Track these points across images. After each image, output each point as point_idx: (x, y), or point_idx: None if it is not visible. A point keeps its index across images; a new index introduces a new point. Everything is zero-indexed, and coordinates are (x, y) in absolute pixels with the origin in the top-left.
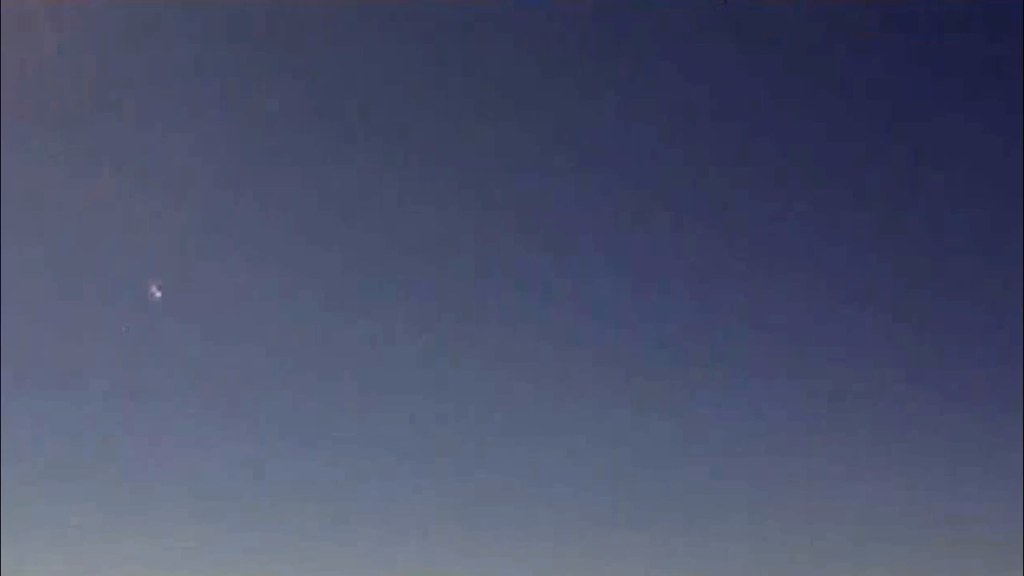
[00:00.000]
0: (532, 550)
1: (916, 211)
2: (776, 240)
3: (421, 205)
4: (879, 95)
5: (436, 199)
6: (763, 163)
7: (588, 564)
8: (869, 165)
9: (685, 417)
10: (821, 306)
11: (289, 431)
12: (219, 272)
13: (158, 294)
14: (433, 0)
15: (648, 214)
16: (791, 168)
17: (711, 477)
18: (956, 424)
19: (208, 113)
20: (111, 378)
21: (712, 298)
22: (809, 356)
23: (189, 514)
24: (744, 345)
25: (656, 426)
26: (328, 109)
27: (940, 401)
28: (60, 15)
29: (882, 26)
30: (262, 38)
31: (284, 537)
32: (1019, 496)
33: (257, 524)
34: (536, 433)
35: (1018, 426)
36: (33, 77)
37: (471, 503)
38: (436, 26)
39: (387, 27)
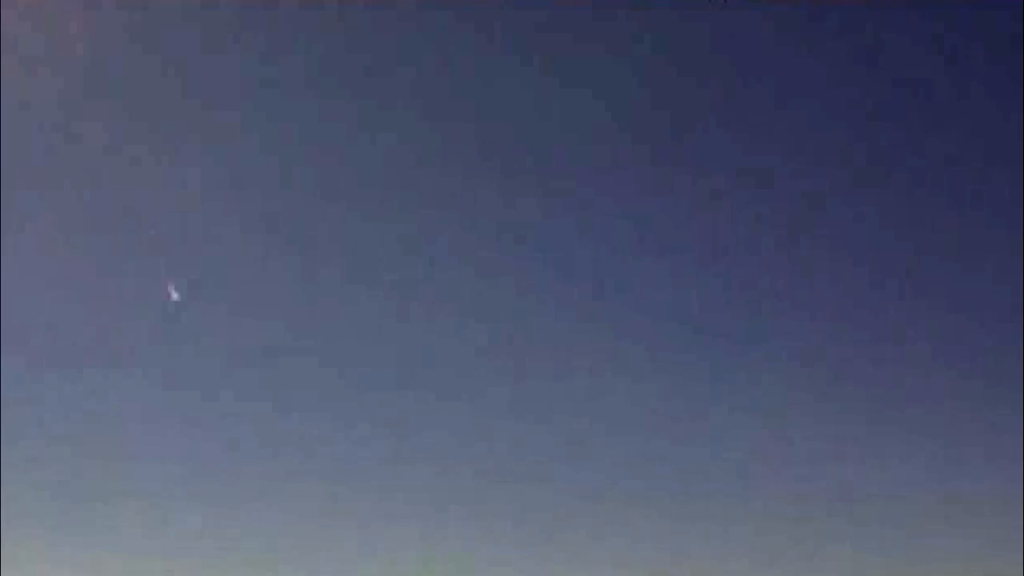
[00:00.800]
0: (535, 547)
1: (917, 208)
2: (776, 238)
3: (444, 202)
4: (878, 95)
5: (456, 199)
6: (762, 164)
7: (591, 564)
8: (872, 162)
9: (687, 408)
10: (824, 296)
11: (295, 431)
12: (233, 268)
13: (175, 295)
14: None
15: (646, 213)
16: (790, 169)
17: (712, 467)
18: (957, 416)
19: (223, 111)
20: (122, 378)
21: (711, 298)
22: (811, 348)
23: (193, 512)
24: (742, 341)
25: (659, 419)
26: (342, 107)
27: (942, 393)
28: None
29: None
30: (278, 35)
31: (288, 539)
32: (1019, 494)
33: (260, 526)
34: (541, 424)
35: (1018, 424)
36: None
37: (473, 499)
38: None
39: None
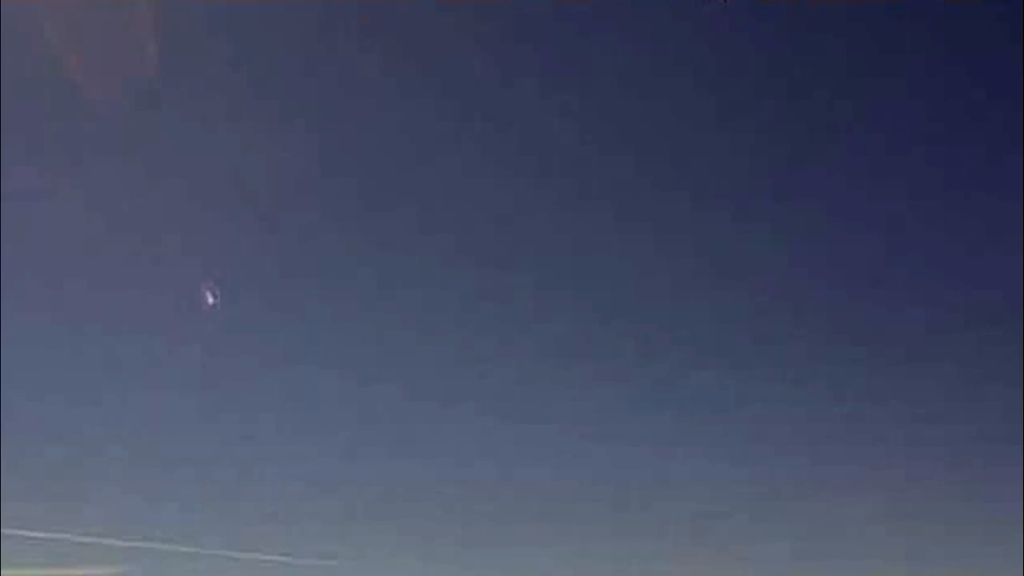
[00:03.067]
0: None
1: (915, 210)
2: (773, 239)
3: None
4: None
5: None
6: (760, 164)
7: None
8: (869, 164)
9: (687, 421)
10: (821, 308)
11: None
12: (270, 272)
13: (211, 299)
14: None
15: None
16: (789, 169)
17: (711, 480)
18: (957, 425)
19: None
20: (157, 382)
21: (711, 300)
22: (808, 358)
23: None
24: (742, 346)
25: (657, 428)
26: (383, 104)
27: (942, 403)
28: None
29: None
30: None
31: (308, 542)
32: (1019, 494)
33: (272, 528)
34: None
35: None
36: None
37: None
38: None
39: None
